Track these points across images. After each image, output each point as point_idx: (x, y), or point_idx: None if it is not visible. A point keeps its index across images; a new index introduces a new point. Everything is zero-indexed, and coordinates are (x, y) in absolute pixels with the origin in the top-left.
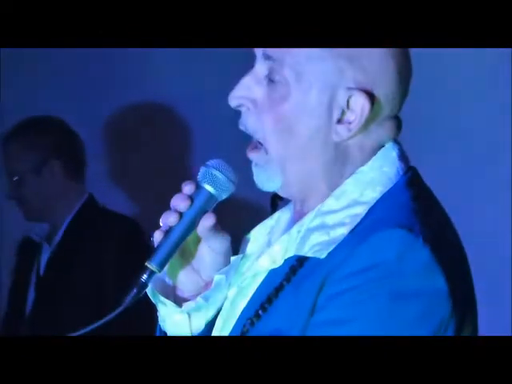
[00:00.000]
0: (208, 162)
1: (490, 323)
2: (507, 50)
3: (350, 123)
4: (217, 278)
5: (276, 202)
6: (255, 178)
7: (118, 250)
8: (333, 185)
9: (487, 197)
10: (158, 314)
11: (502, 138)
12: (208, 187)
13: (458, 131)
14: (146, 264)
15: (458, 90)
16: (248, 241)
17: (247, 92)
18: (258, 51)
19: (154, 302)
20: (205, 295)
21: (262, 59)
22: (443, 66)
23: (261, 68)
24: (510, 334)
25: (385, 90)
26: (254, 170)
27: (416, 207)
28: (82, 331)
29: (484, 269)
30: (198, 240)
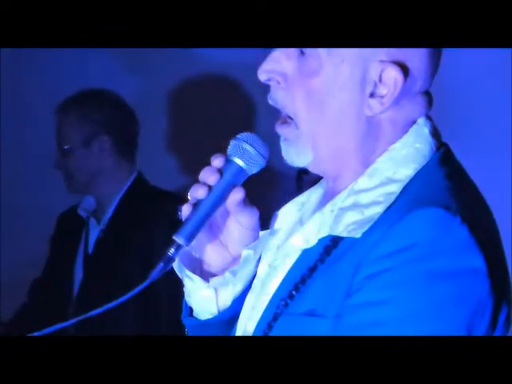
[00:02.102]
0: (238, 135)
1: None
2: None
3: (382, 97)
4: (245, 252)
5: (302, 176)
6: (284, 153)
7: (170, 228)
8: (365, 160)
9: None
10: (184, 289)
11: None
12: (238, 161)
13: (459, 131)
14: (174, 237)
15: (460, 89)
16: (278, 217)
17: (277, 66)
18: None
19: (180, 276)
20: (233, 270)
21: None
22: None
23: None
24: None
25: (417, 63)
26: (283, 144)
27: (451, 185)
28: (108, 305)
29: None
30: (227, 214)
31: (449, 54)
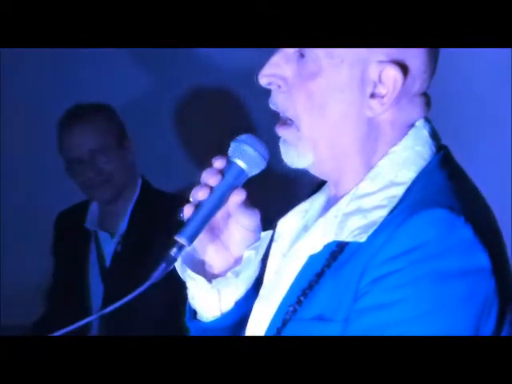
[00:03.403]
0: (238, 137)
1: None
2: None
3: (382, 97)
4: (247, 253)
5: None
6: (284, 154)
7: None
8: (366, 162)
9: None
10: (187, 291)
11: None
12: (239, 162)
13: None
14: (175, 238)
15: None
16: (282, 225)
17: (277, 70)
18: None
19: (182, 278)
20: (235, 270)
21: None
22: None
23: None
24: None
25: (416, 63)
26: (283, 146)
27: (453, 186)
28: (110, 307)
29: None
30: (228, 215)
31: (445, 56)
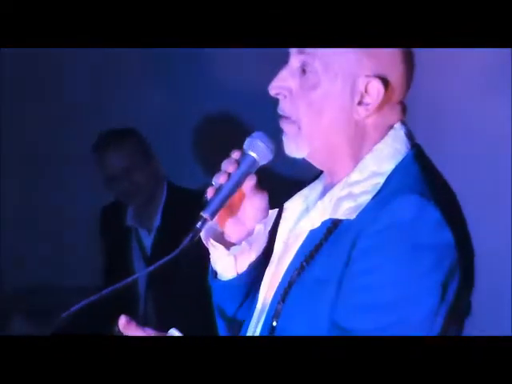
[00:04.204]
0: (253, 134)
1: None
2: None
3: (367, 105)
4: (258, 227)
5: None
6: (285, 146)
7: None
8: (354, 156)
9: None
10: (210, 256)
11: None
12: (252, 154)
13: (459, 129)
14: (201, 214)
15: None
16: (288, 207)
17: (284, 83)
18: (293, 48)
19: (206, 245)
20: (248, 240)
21: (297, 54)
22: (444, 64)
23: (295, 61)
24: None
25: (396, 77)
26: (285, 139)
27: (424, 176)
28: (141, 272)
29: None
30: (243, 196)
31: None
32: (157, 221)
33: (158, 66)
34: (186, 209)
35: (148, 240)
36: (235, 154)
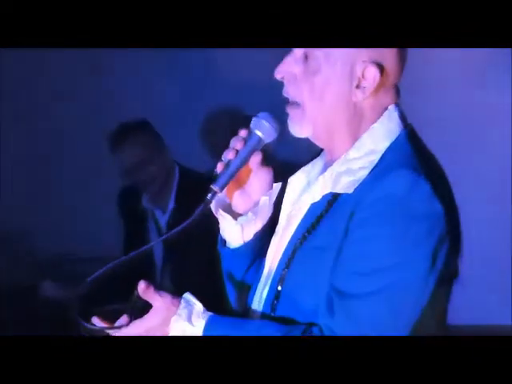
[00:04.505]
0: (258, 114)
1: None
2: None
3: (364, 88)
4: (263, 199)
5: None
6: (290, 127)
7: None
8: (352, 135)
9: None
10: (219, 225)
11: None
12: (258, 132)
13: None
14: (211, 186)
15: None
16: (291, 182)
17: (288, 68)
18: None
19: (216, 215)
20: (254, 211)
21: None
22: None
23: (298, 50)
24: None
25: (390, 63)
26: (290, 121)
27: (416, 153)
28: (158, 240)
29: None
30: (250, 171)
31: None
32: (171, 203)
33: (167, 62)
34: (197, 190)
35: (163, 220)
36: (242, 133)
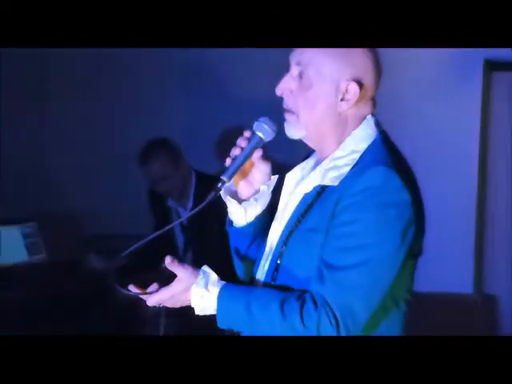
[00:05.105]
0: (260, 118)
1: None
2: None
3: (348, 101)
4: (262, 187)
5: None
6: (286, 130)
7: None
8: (338, 139)
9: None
10: (227, 209)
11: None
12: (259, 133)
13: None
14: (220, 177)
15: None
16: (288, 177)
17: (286, 85)
18: (292, 60)
19: (224, 200)
20: (255, 197)
21: (295, 65)
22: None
23: (294, 70)
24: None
25: (368, 79)
26: (286, 125)
27: (389, 153)
28: (177, 221)
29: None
30: (252, 165)
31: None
32: (190, 202)
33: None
34: (211, 190)
35: (185, 214)
36: (246, 133)
